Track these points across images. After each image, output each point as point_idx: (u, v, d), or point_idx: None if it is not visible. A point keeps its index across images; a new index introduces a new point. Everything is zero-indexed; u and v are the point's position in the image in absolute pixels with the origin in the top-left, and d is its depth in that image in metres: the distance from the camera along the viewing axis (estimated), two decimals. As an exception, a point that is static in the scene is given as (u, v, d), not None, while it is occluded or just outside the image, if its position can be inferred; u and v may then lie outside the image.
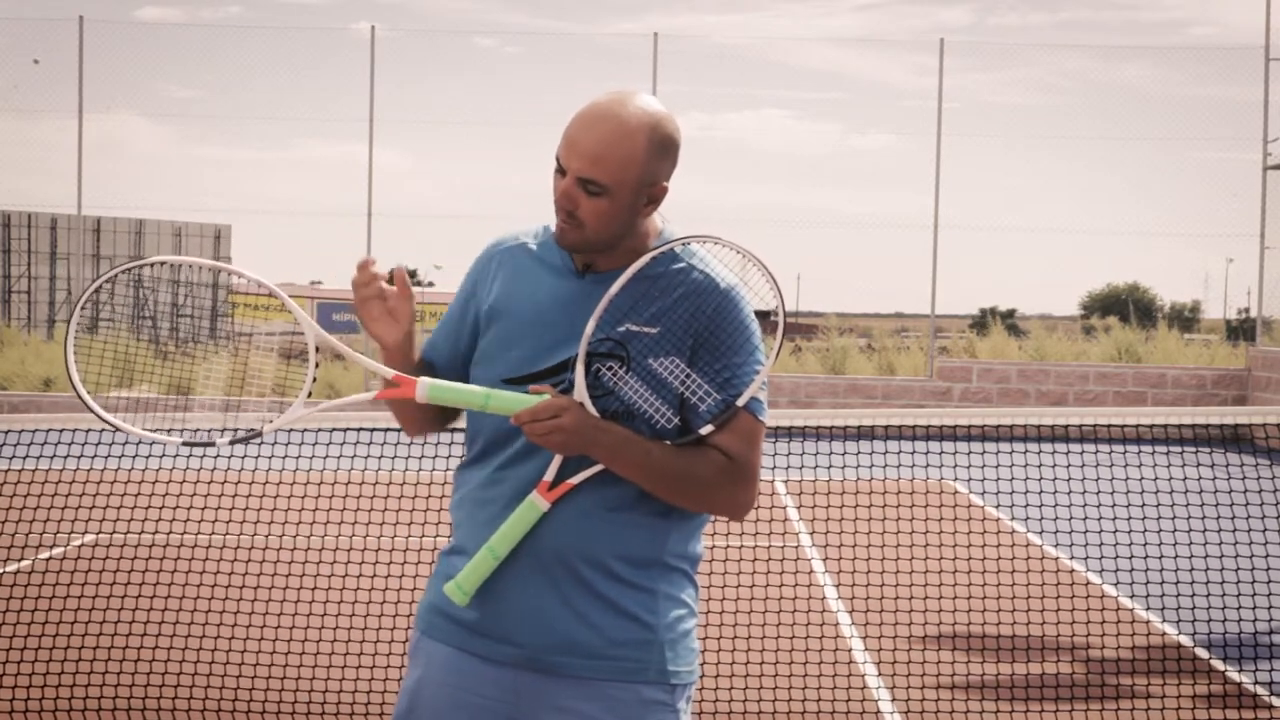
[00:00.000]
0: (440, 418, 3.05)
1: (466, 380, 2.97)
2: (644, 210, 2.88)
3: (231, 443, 2.91)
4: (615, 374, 2.84)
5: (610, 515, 2.85)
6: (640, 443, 2.82)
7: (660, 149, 2.84)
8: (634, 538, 2.86)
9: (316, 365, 2.92)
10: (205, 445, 2.93)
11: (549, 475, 2.82)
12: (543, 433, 2.76)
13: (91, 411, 2.94)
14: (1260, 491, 9.09)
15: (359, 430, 9.30)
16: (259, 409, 3.07)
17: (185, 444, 2.91)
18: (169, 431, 3.04)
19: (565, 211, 2.84)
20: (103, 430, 7.74)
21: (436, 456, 7.43)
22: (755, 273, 2.90)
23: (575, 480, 2.83)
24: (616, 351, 2.84)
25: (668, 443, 2.84)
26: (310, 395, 2.96)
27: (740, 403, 2.84)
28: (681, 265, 2.88)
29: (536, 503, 2.82)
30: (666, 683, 2.87)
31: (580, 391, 2.82)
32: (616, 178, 2.80)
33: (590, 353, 2.84)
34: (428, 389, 2.81)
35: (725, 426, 2.85)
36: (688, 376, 2.84)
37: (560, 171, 2.84)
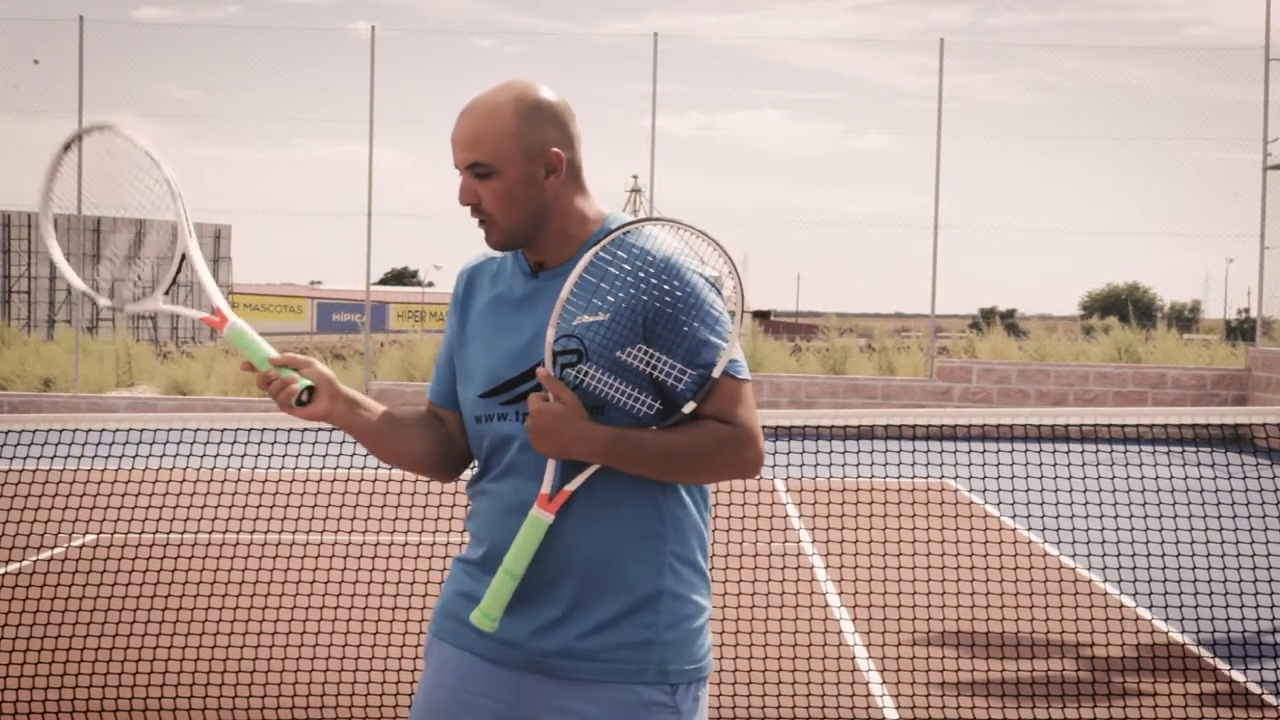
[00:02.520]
0: (444, 462, 3.08)
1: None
2: (548, 183, 2.86)
3: (111, 308, 3.22)
4: (579, 370, 2.82)
5: (607, 517, 2.85)
6: (629, 435, 2.80)
7: (532, 115, 2.85)
8: (634, 537, 2.86)
9: (179, 271, 3.11)
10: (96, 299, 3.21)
11: (546, 488, 2.82)
12: (531, 428, 2.81)
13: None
14: (1260, 491, 9.09)
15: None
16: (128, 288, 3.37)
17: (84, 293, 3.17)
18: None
19: (473, 209, 2.88)
20: (102, 430, 7.75)
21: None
22: (704, 245, 2.87)
23: (572, 487, 2.82)
24: (574, 346, 2.83)
25: (654, 428, 2.83)
26: (167, 294, 3.14)
27: (716, 373, 2.82)
28: (620, 247, 2.85)
29: (540, 517, 2.82)
30: (666, 683, 2.86)
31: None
32: (495, 152, 2.83)
33: (557, 351, 2.83)
34: (230, 329, 2.99)
35: (709, 398, 2.83)
36: (651, 357, 2.81)
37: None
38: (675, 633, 2.87)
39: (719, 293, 2.88)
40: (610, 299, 2.82)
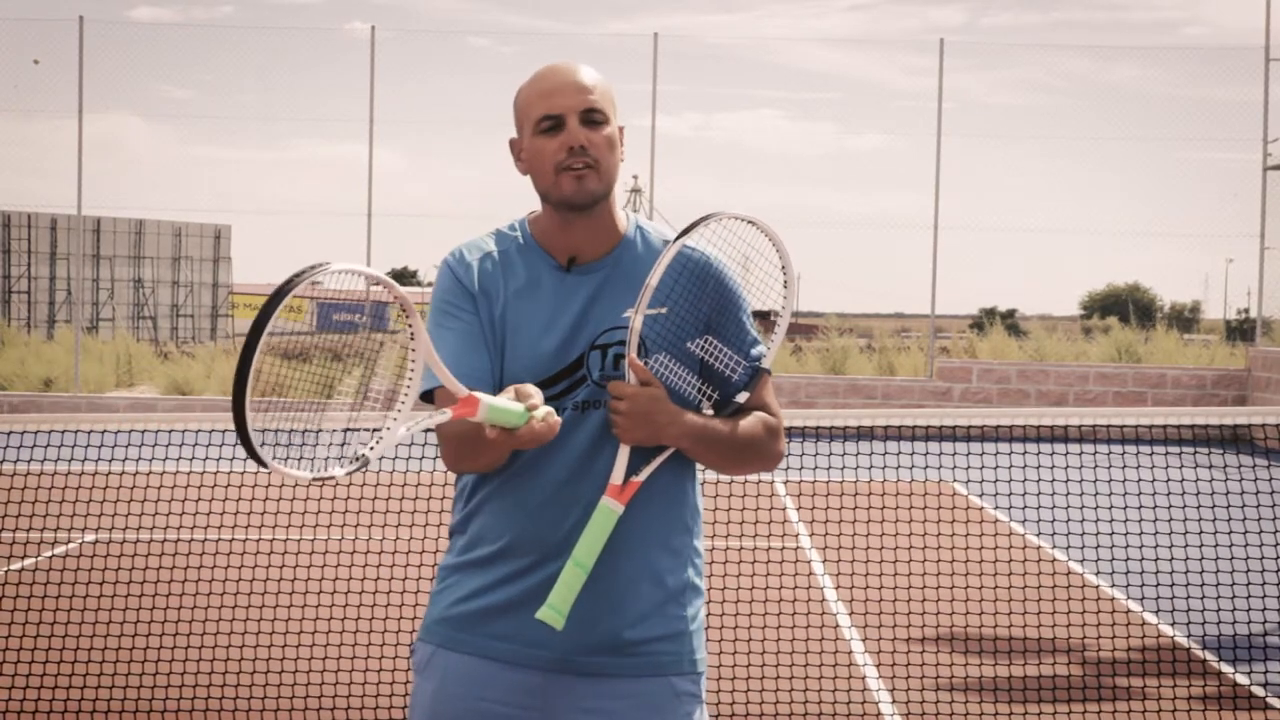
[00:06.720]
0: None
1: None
2: (621, 151, 2.92)
3: (349, 473, 2.70)
4: (654, 358, 2.85)
5: (646, 512, 2.85)
6: (712, 422, 2.87)
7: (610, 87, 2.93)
8: (667, 529, 2.89)
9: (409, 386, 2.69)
10: (326, 479, 2.71)
11: (617, 478, 2.79)
12: (627, 413, 2.77)
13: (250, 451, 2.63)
14: (1260, 492, 9.09)
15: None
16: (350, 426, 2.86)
17: (315, 479, 2.71)
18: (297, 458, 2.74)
19: (579, 157, 2.83)
20: (104, 431, 7.74)
21: (437, 458, 7.42)
22: (764, 240, 2.93)
23: (641, 477, 2.81)
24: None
25: (713, 415, 2.90)
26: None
27: (766, 364, 2.93)
28: (689, 245, 2.89)
29: (611, 507, 2.77)
30: (694, 672, 2.90)
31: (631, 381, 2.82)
32: (608, 104, 2.88)
33: (604, 344, 2.84)
34: (486, 410, 2.63)
35: (755, 390, 2.93)
36: (713, 348, 2.90)
37: (551, 128, 2.83)
38: (696, 623, 2.93)
39: None
40: (665, 293, 2.86)
